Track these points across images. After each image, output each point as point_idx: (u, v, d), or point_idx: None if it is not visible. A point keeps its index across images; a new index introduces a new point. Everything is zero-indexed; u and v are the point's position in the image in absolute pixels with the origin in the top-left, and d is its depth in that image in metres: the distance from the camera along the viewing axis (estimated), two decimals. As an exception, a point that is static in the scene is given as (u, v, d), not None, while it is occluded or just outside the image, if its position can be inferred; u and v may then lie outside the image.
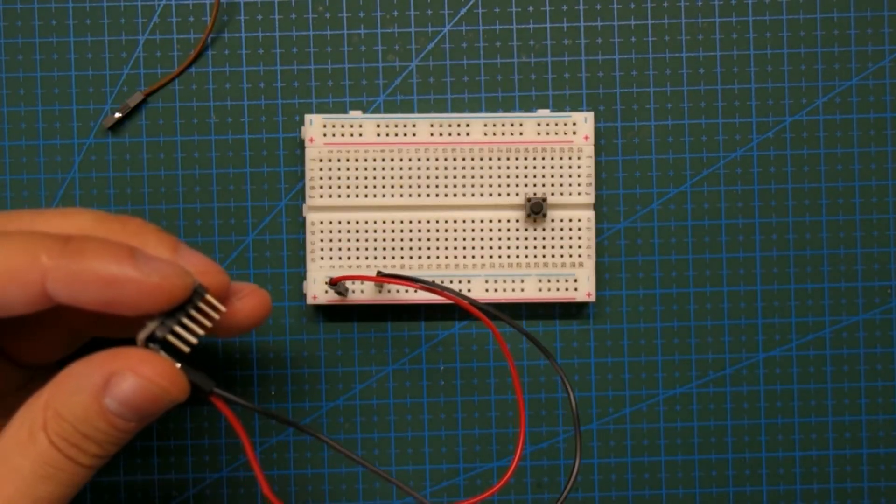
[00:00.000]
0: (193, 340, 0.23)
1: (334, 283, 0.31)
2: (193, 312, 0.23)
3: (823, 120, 0.33)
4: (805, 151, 0.33)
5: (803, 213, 0.33)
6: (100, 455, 0.23)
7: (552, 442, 0.33)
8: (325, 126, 0.31)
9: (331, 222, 0.31)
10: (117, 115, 0.32)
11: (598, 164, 0.32)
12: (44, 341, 0.26)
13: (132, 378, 0.22)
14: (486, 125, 0.31)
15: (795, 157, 0.33)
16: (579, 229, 0.32)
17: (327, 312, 0.33)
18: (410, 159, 0.31)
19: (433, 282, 0.30)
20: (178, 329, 0.23)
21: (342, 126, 0.31)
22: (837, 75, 0.33)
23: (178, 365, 0.23)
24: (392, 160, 0.31)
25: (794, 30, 0.33)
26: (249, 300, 0.26)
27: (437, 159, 0.31)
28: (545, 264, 0.31)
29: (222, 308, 0.24)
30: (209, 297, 0.24)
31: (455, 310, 0.33)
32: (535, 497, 0.33)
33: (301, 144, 0.32)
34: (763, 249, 0.33)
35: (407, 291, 0.31)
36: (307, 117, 0.31)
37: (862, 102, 0.33)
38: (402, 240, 0.31)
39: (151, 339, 0.23)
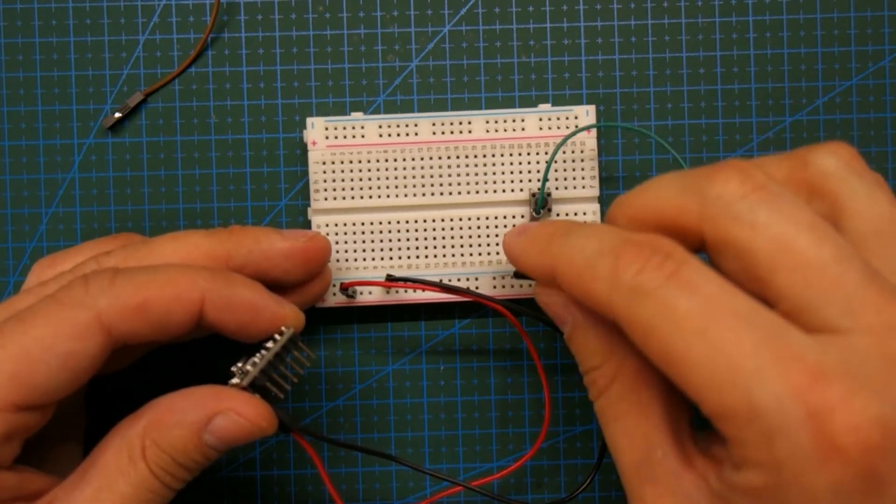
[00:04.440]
0: (287, 387, 0.26)
1: (345, 287, 0.31)
2: (288, 360, 0.27)
3: (823, 120, 0.33)
4: (805, 151, 0.33)
5: (803, 213, 0.33)
6: (187, 479, 0.25)
7: (552, 442, 0.33)
8: (327, 129, 0.31)
9: (336, 224, 0.31)
10: (117, 115, 0.32)
11: (598, 163, 0.32)
12: (126, 358, 0.29)
13: (235, 418, 0.25)
14: (487, 122, 0.31)
15: (795, 156, 0.33)
16: (585, 223, 0.32)
17: (327, 312, 0.32)
18: (413, 159, 0.31)
19: (440, 281, 0.30)
20: (274, 376, 0.26)
21: (344, 128, 0.31)
22: (837, 75, 0.33)
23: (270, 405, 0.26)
24: (395, 160, 0.31)
25: (794, 30, 0.33)
26: (323, 281, 0.30)
27: (440, 158, 0.31)
28: (552, 260, 0.31)
29: (313, 355, 0.28)
30: (301, 345, 0.27)
31: (455, 309, 0.33)
32: (535, 497, 0.33)
33: (303, 146, 0.32)
34: (763, 249, 0.33)
35: (415, 291, 0.31)
36: (309, 120, 0.31)
37: (862, 102, 0.33)
38: (408, 239, 0.31)
39: (251, 385, 0.26)
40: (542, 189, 0.31)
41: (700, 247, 0.23)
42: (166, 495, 0.25)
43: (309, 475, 0.33)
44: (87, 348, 0.24)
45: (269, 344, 0.26)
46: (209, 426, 0.25)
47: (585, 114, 0.31)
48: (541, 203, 0.31)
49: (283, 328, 0.26)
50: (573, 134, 0.31)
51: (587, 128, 0.31)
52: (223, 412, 0.25)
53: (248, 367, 0.26)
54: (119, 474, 0.24)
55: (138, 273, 0.25)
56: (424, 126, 0.31)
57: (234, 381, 0.26)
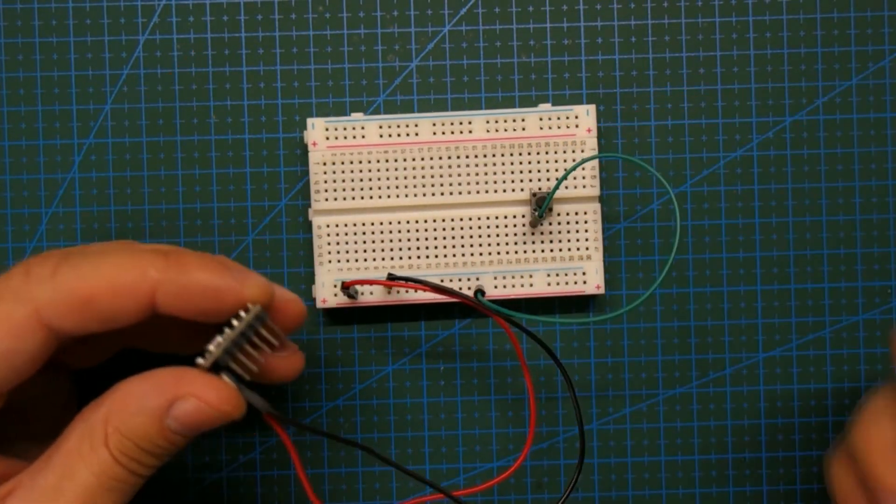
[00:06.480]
0: (254, 368, 0.25)
1: (347, 286, 0.31)
2: (254, 338, 0.25)
3: (823, 120, 0.33)
4: (805, 151, 0.33)
5: (803, 213, 0.33)
6: (156, 465, 0.24)
7: (552, 442, 0.33)
8: (327, 129, 0.31)
9: (337, 225, 0.31)
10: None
11: (598, 163, 0.32)
12: (98, 351, 0.28)
13: (196, 402, 0.24)
14: (488, 122, 0.31)
15: (795, 157, 0.33)
16: (586, 222, 0.32)
17: (327, 313, 0.32)
18: (414, 159, 0.31)
19: (442, 284, 0.30)
20: (240, 356, 0.25)
21: (344, 129, 0.31)
22: (837, 75, 0.33)
23: (236, 387, 0.24)
24: (395, 160, 0.31)
25: (794, 30, 0.33)
26: (289, 360, 0.27)
27: (440, 158, 0.31)
28: (553, 258, 0.31)
29: (282, 335, 0.26)
30: (270, 323, 0.25)
31: (455, 309, 0.33)
32: (535, 497, 0.33)
33: (303, 146, 0.32)
34: (763, 249, 0.33)
35: (416, 291, 0.31)
36: (309, 121, 0.31)
37: (862, 102, 0.33)
38: (409, 240, 0.31)
39: (215, 366, 0.24)
40: (547, 201, 0.31)
41: None
42: (132, 482, 0.24)
43: (309, 475, 0.33)
44: (26, 346, 0.23)
45: (235, 322, 0.25)
46: (171, 411, 0.23)
47: (586, 113, 0.31)
48: (544, 209, 0.31)
49: (248, 305, 0.25)
50: (581, 162, 0.31)
51: (591, 158, 0.31)
52: (184, 397, 0.24)
53: (211, 348, 0.24)
54: (81, 462, 0.23)
55: (83, 262, 0.24)
56: (425, 126, 0.31)
57: (199, 360, 0.24)
